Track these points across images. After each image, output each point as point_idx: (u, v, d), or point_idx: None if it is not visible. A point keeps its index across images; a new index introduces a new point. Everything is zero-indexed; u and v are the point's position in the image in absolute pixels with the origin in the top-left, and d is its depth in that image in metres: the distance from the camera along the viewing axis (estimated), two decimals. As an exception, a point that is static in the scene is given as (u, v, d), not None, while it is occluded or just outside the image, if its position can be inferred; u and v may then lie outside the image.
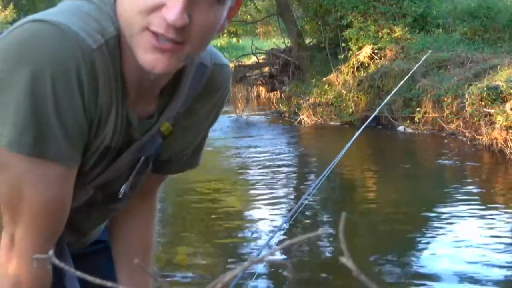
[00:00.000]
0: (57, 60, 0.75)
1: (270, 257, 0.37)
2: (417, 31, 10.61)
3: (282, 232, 4.44)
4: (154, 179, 1.09)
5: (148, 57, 0.78)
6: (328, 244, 4.00)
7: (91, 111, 0.81)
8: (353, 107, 9.78)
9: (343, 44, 10.96)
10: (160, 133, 0.95)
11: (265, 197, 5.35)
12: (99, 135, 0.85)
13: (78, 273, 0.39)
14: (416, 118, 8.29)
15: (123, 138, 0.91)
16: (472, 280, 3.27)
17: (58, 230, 0.88)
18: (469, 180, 5.69)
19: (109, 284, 0.37)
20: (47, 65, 0.74)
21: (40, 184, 0.81)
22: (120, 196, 0.97)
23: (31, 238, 0.84)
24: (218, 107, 1.04)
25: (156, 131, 0.94)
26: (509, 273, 3.38)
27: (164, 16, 0.75)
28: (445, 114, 7.80)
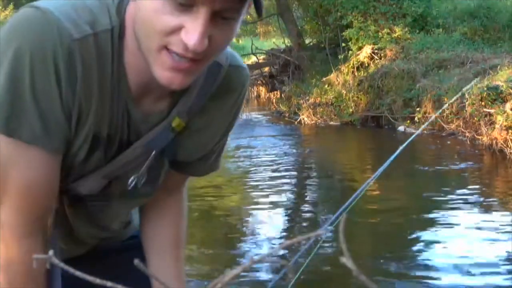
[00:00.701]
0: (37, 44, 0.78)
1: (270, 257, 0.37)
2: (417, 31, 10.62)
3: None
4: (179, 177, 1.11)
5: (165, 74, 0.79)
6: (328, 244, 4.00)
7: (68, 100, 0.82)
8: (353, 107, 9.79)
9: (343, 44, 10.97)
10: (172, 129, 0.95)
11: (266, 197, 5.35)
12: (82, 125, 0.87)
13: (78, 273, 0.39)
14: (416, 118, 8.29)
15: (126, 130, 0.93)
16: (473, 280, 3.27)
17: (45, 212, 0.91)
18: (469, 180, 5.69)
19: (109, 284, 0.37)
20: (27, 48, 0.78)
21: (22, 166, 0.84)
22: (129, 188, 0.98)
23: (17, 218, 0.86)
24: (236, 110, 1.04)
25: (167, 125, 0.95)
26: (510, 273, 3.38)
27: (183, 39, 0.75)
28: (445, 114, 7.80)
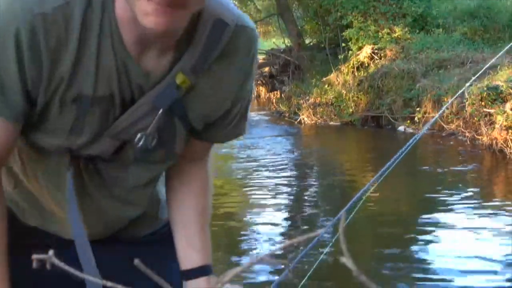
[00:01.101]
0: (2, 21, 0.83)
1: (270, 257, 0.37)
2: (417, 31, 10.62)
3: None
4: (201, 144, 1.10)
5: (149, 19, 0.80)
6: (327, 244, 4.00)
7: (32, 76, 0.86)
8: (353, 107, 9.79)
9: (343, 44, 10.97)
10: (177, 87, 0.94)
11: (266, 197, 5.35)
12: (55, 94, 0.89)
13: (78, 273, 0.39)
14: (416, 118, 8.29)
15: (128, 89, 0.93)
16: (472, 280, 3.27)
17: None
18: (469, 180, 5.69)
19: (109, 284, 0.37)
20: None
21: None
22: (138, 146, 0.97)
23: None
24: (247, 72, 1.02)
25: (171, 82, 0.94)
26: (510, 274, 3.39)
27: None
28: (445, 114, 7.80)
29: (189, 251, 1.12)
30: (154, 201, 1.18)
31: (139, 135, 0.96)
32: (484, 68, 1.97)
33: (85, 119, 0.92)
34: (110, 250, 1.12)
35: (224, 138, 1.11)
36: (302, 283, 1.96)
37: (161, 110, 0.94)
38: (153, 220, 1.20)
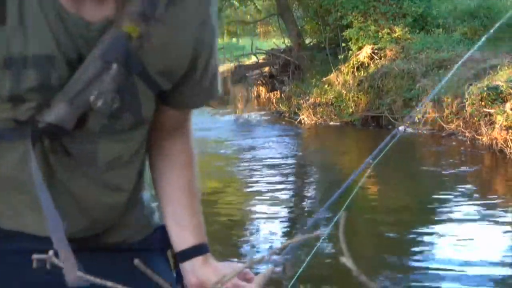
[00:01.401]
0: None
1: (270, 257, 0.37)
2: (417, 31, 10.63)
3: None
4: (176, 114, 1.05)
5: None
6: (328, 244, 4.00)
7: None
8: (353, 107, 9.79)
9: (343, 44, 10.98)
10: (127, 37, 0.87)
11: (266, 197, 5.35)
12: None
13: (79, 273, 0.39)
14: (416, 118, 8.29)
15: (70, 45, 0.86)
16: (472, 280, 3.27)
17: None
18: (469, 180, 5.69)
19: (109, 284, 0.37)
20: None
21: None
22: (96, 107, 0.88)
23: None
24: (203, 15, 0.95)
25: (119, 32, 0.87)
26: (509, 274, 3.39)
27: None
28: (445, 114, 7.80)
29: (179, 230, 1.06)
30: (141, 204, 1.11)
31: (95, 94, 0.86)
32: (458, 64, 1.97)
33: (20, 83, 0.85)
34: (99, 257, 1.02)
35: (195, 101, 1.04)
36: (292, 282, 1.96)
37: (115, 65, 0.87)
38: (143, 226, 1.12)
